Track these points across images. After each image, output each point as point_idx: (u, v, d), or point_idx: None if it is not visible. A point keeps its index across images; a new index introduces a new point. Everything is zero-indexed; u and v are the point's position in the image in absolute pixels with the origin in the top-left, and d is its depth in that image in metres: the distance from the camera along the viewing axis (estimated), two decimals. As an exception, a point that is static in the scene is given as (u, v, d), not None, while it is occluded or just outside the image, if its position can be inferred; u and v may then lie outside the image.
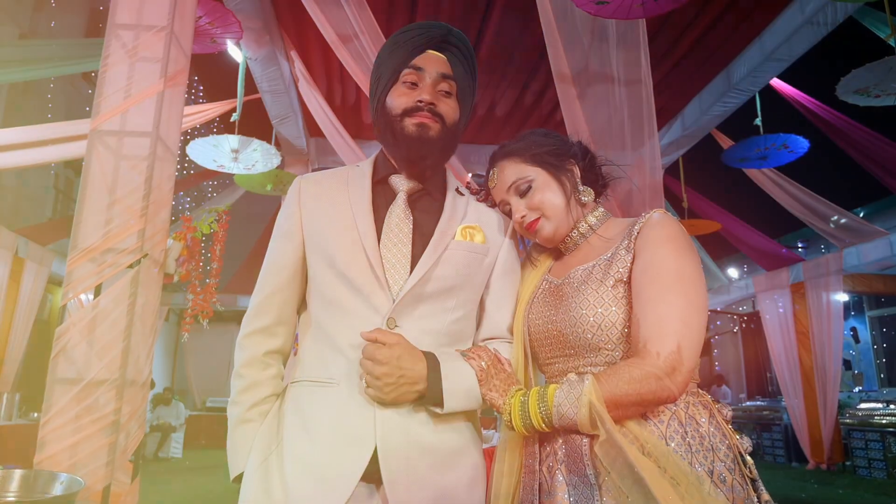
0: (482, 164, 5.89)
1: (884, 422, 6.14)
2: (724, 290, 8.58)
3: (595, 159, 1.11)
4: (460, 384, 0.92)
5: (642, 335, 0.86)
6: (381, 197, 1.04)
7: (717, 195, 6.61)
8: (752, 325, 11.18)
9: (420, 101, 1.00)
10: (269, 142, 4.99)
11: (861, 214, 7.68)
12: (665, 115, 5.13)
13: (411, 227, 1.00)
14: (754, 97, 4.55)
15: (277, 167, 4.44)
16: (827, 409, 6.38)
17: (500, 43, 4.14)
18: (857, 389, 8.15)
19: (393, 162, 1.07)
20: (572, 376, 0.88)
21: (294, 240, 1.03)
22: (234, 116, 4.14)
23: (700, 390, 0.95)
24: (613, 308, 0.93)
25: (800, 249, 9.33)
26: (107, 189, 2.06)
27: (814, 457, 6.66)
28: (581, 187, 1.06)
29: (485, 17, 3.95)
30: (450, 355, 0.95)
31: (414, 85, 1.02)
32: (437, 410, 0.92)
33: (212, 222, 3.46)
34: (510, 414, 0.90)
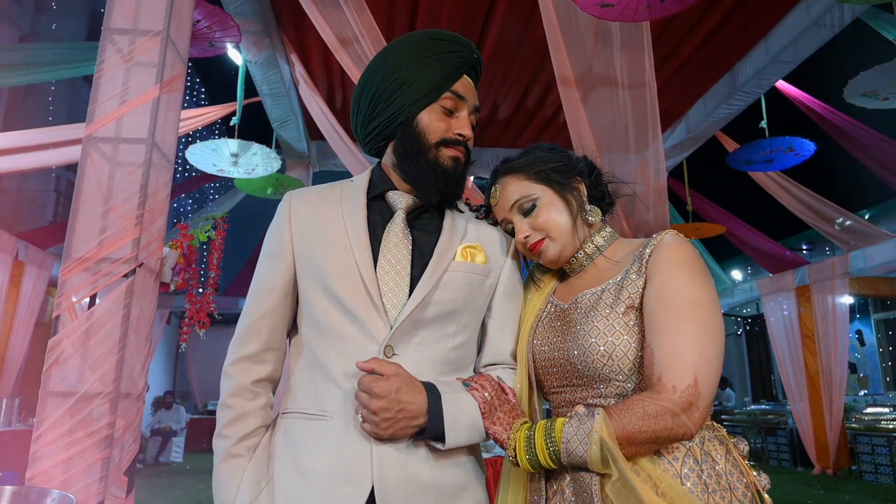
0: (483, 166, 5.86)
1: (891, 427, 6.07)
2: (728, 293, 8.52)
3: (601, 176, 1.06)
4: (463, 418, 0.87)
5: (656, 367, 0.81)
6: (378, 214, 0.98)
7: (721, 197, 6.56)
8: (757, 328, 11.11)
9: (461, 135, 0.97)
10: (269, 145, 4.97)
11: (866, 216, 7.61)
12: (669, 117, 5.08)
13: (410, 247, 0.95)
14: (760, 99, 4.50)
15: (278, 171, 4.40)
16: (833, 413, 6.31)
17: (502, 45, 4.10)
18: (862, 393, 8.08)
19: (392, 178, 1.01)
20: (581, 409, 0.83)
21: (284, 260, 0.97)
22: (234, 120, 4.11)
23: (715, 423, 0.90)
24: (625, 337, 0.88)
25: (804, 252, 9.26)
26: (102, 197, 2.02)
27: (819, 462, 6.59)
28: (587, 206, 1.00)
29: (486, 18, 3.91)
30: (451, 386, 0.90)
31: (450, 112, 0.97)
32: (439, 446, 0.86)
33: (209, 230, 3.41)
34: (515, 449, 0.85)
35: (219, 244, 3.85)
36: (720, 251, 8.73)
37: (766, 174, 5.51)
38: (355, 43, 3.06)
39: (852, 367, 8.35)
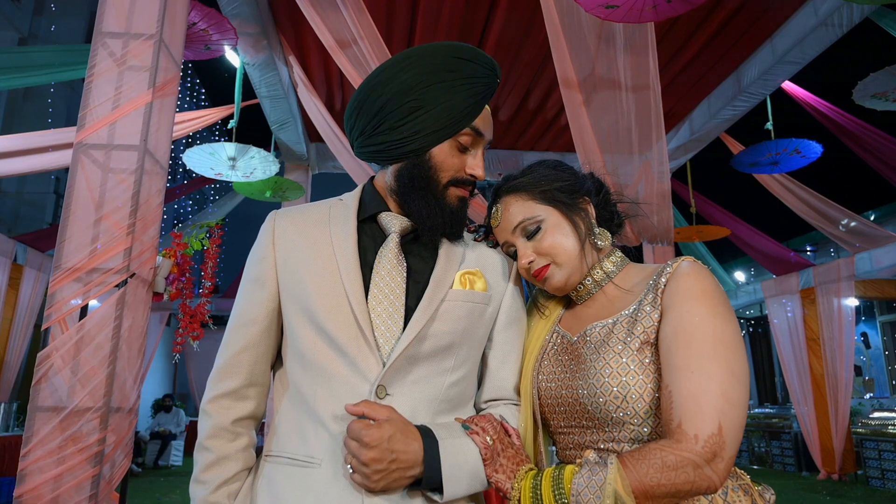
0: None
1: (898, 431, 6.00)
2: (732, 295, 8.45)
3: (609, 195, 0.98)
4: (462, 467, 0.79)
5: (675, 412, 0.74)
6: (369, 238, 0.90)
7: (723, 198, 6.50)
8: (760, 330, 11.03)
9: (472, 176, 0.89)
10: (268, 147, 4.91)
11: (872, 217, 7.55)
12: (673, 118, 5.02)
13: (405, 274, 0.87)
14: (765, 101, 4.43)
15: (277, 173, 4.35)
16: (838, 417, 6.24)
17: (503, 46, 4.05)
18: (868, 396, 8.01)
19: (387, 201, 0.92)
20: (592, 456, 0.76)
21: (267, 288, 0.89)
22: (232, 123, 4.05)
23: (739, 470, 0.82)
24: (640, 376, 0.80)
25: (808, 253, 9.19)
26: (93, 205, 1.97)
27: (825, 466, 6.52)
28: (596, 229, 0.93)
29: (488, 19, 3.85)
30: (449, 430, 0.82)
31: (465, 149, 0.88)
32: (437, 498, 0.79)
33: (203, 238, 3.33)
34: (520, 500, 0.77)
35: (213, 252, 3.77)
36: (723, 252, 8.67)
37: (770, 175, 5.44)
38: (354, 45, 3.01)
39: (858, 370, 8.29)
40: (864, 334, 8.62)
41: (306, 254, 0.88)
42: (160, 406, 8.71)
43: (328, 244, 0.88)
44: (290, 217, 0.93)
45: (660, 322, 0.82)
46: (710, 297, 0.80)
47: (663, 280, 0.84)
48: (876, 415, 6.61)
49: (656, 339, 0.82)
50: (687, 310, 0.79)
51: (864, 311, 8.57)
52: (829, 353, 6.34)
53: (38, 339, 6.70)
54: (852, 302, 6.34)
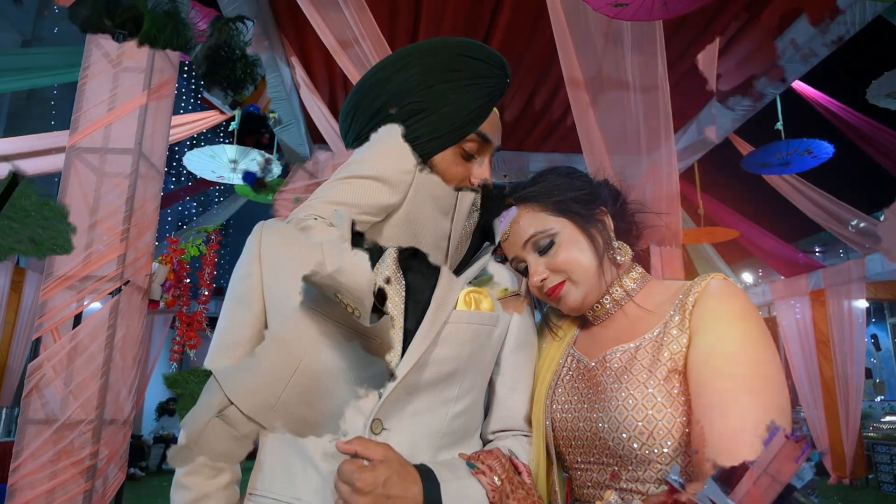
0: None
1: (910, 436, 5.90)
2: (739, 297, 8.32)
3: (627, 205, 0.90)
4: None
5: (709, 451, 0.67)
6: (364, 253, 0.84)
7: (730, 198, 6.41)
8: (768, 332, 10.92)
9: (478, 186, 0.82)
10: (271, 150, 4.86)
11: (882, 218, 7.43)
12: (680, 118, 4.94)
13: (403, 294, 0.79)
14: (775, 100, 4.35)
15: (279, 176, 4.30)
16: (849, 421, 6.14)
17: (508, 45, 3.98)
18: (879, 399, 7.90)
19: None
20: (614, 498, 0.69)
21: (253, 308, 0.82)
22: (233, 125, 4.01)
23: None
24: (668, 409, 0.72)
25: (817, 254, 9.08)
26: (87, 210, 1.92)
27: (835, 471, 6.42)
28: (615, 243, 0.85)
29: (492, 18, 3.79)
30: (452, 470, 0.74)
31: (471, 156, 0.81)
32: None
33: (200, 244, 3.29)
34: None
35: (211, 258, 3.72)
36: (730, 253, 8.55)
37: (779, 176, 5.35)
38: (356, 45, 2.95)
39: (868, 373, 8.17)
40: (874, 336, 8.50)
41: (296, 271, 0.80)
42: (164, 409, 8.69)
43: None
44: (279, 229, 0.85)
45: (688, 347, 0.75)
46: (744, 319, 0.73)
47: (691, 300, 0.76)
48: (887, 418, 6.51)
49: (685, 366, 0.75)
50: (719, 335, 0.72)
51: (875, 313, 8.45)
52: (839, 356, 6.25)
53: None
54: (863, 304, 6.24)
